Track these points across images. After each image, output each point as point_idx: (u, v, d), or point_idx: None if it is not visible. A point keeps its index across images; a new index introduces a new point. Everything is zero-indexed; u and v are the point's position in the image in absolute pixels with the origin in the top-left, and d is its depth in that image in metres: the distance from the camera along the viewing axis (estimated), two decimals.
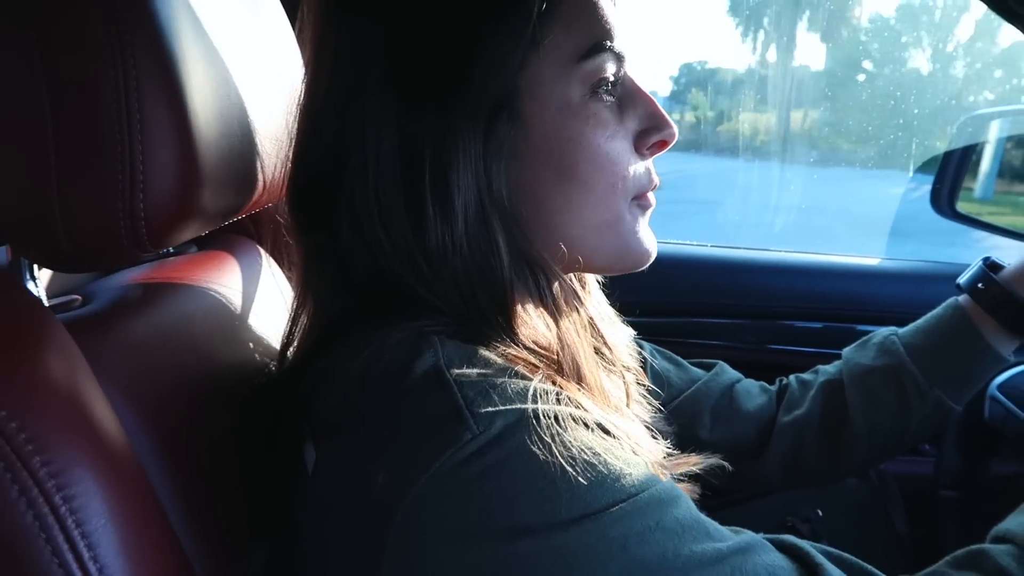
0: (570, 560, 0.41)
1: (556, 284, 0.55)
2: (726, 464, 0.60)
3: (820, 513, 0.95)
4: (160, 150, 0.45)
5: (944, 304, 0.80)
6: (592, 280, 0.68)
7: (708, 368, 0.87)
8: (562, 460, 0.42)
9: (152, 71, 0.45)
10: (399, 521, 0.42)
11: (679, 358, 0.87)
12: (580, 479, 0.42)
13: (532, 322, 0.52)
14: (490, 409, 0.42)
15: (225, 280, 0.67)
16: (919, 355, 0.77)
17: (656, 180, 0.58)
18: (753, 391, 0.85)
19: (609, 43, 0.52)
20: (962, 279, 0.79)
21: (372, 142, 0.50)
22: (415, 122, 0.49)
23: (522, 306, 0.52)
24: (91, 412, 0.40)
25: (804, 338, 1.29)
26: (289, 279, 0.76)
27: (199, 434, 0.54)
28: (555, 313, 0.54)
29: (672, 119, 0.56)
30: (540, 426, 0.43)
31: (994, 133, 1.43)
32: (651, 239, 0.58)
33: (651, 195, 0.58)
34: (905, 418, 0.77)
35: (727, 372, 0.86)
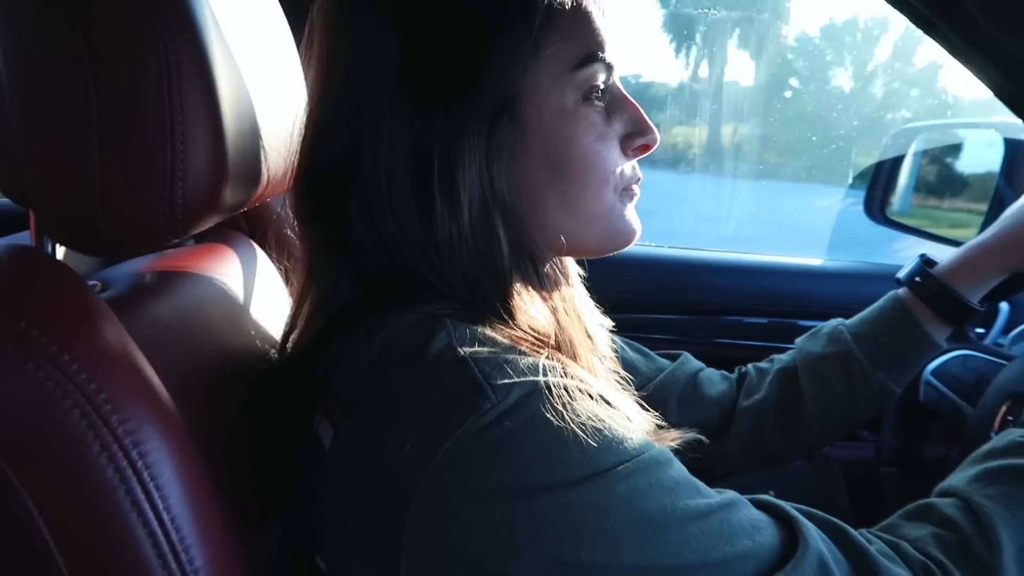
0: (583, 514, 0.46)
1: (552, 272, 0.60)
2: (703, 438, 0.66)
3: (772, 494, 1.02)
4: (198, 142, 0.49)
5: (886, 296, 0.87)
6: (574, 273, 0.73)
7: (673, 359, 0.93)
8: (573, 426, 0.46)
9: (191, 75, 0.48)
10: (424, 483, 0.45)
11: (646, 350, 0.92)
12: (590, 442, 0.46)
13: (530, 308, 0.56)
14: (506, 381, 0.47)
15: (226, 270, 0.70)
16: (864, 342, 0.85)
17: (640, 175, 0.63)
18: (715, 379, 0.91)
19: (601, 53, 0.57)
20: (901, 274, 0.87)
21: (384, 142, 0.54)
22: (425, 124, 0.53)
23: (521, 293, 0.56)
24: (148, 378, 0.43)
25: (750, 332, 1.38)
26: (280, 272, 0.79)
27: (216, 413, 0.57)
28: (551, 299, 0.58)
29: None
30: (552, 396, 0.47)
31: (917, 147, 1.55)
32: (637, 221, 0.63)
33: (635, 187, 0.63)
34: (852, 399, 0.84)
35: (691, 362, 0.93)
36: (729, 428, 0.88)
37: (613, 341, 0.84)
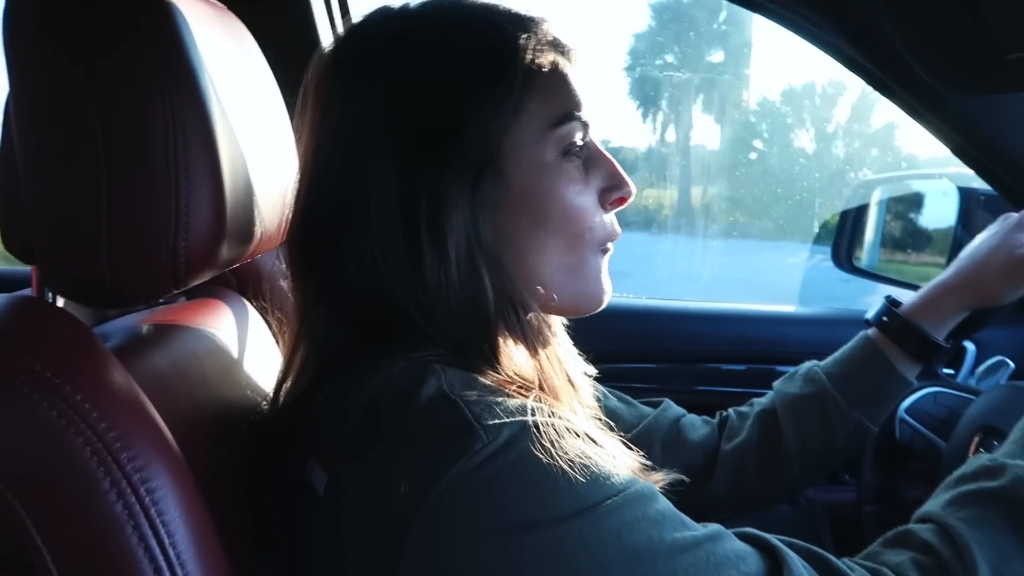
0: (574, 548, 0.47)
1: (534, 319, 0.62)
2: (685, 478, 0.67)
3: None
4: (200, 197, 0.51)
5: (856, 337, 0.90)
6: (557, 322, 0.76)
7: (655, 406, 0.95)
8: (561, 463, 0.48)
9: (195, 129, 0.51)
10: (420, 520, 0.47)
11: (629, 398, 0.94)
12: (578, 478, 0.48)
13: (514, 354, 0.58)
14: (496, 421, 0.48)
15: (219, 325, 0.71)
16: (839, 381, 0.87)
17: (618, 230, 0.66)
18: (697, 423, 0.93)
19: (577, 112, 0.61)
20: (869, 315, 0.90)
21: (375, 195, 0.57)
22: (414, 178, 0.56)
23: (505, 339, 0.58)
24: (155, 421, 0.44)
25: (729, 379, 1.40)
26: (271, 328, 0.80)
27: (211, 461, 0.58)
28: (534, 346, 0.60)
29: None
30: (540, 434, 0.49)
31: (877, 198, 1.61)
32: (608, 285, 0.66)
33: (611, 244, 0.66)
34: (830, 438, 0.86)
35: (673, 408, 0.94)
36: (713, 471, 0.89)
37: (596, 389, 0.86)
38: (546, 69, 0.60)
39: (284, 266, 0.64)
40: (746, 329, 1.45)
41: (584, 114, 0.61)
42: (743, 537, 0.55)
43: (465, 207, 0.57)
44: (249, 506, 0.60)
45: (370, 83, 0.59)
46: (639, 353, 1.42)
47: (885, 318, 0.88)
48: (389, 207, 0.57)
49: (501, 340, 0.58)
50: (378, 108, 0.58)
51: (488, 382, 0.53)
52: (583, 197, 0.62)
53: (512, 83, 0.58)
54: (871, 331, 0.89)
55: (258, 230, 0.66)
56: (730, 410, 0.95)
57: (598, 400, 0.81)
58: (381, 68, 0.59)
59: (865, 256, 1.56)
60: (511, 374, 0.56)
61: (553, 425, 0.50)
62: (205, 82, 0.53)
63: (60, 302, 0.57)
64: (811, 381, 0.89)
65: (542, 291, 0.62)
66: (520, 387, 0.55)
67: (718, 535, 0.53)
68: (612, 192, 0.64)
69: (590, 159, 0.63)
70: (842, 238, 1.49)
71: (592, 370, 0.79)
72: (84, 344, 0.44)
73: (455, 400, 0.50)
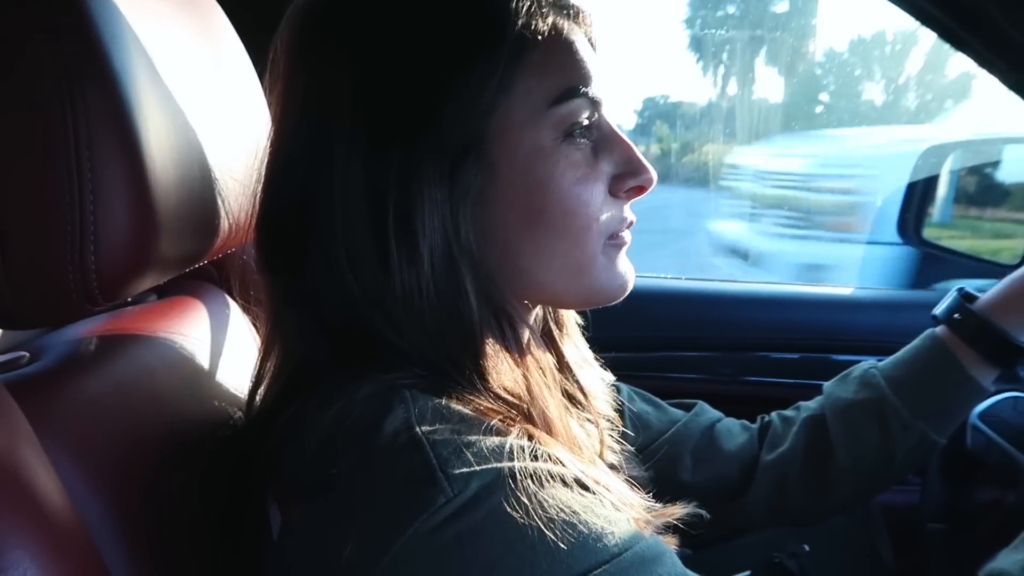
0: None
1: (524, 331, 0.53)
2: (703, 513, 0.58)
3: (807, 548, 0.92)
4: (113, 200, 0.43)
5: (922, 336, 0.79)
6: (571, 322, 0.67)
7: (688, 408, 0.85)
8: (540, 523, 0.40)
9: (105, 120, 0.42)
10: None
11: (657, 399, 0.85)
12: (560, 543, 0.40)
13: (501, 368, 0.50)
14: (464, 470, 0.41)
15: (188, 329, 0.64)
16: (900, 387, 0.76)
17: (631, 218, 0.56)
18: (735, 430, 0.83)
19: (583, 88, 0.51)
20: (938, 310, 0.78)
21: (340, 185, 0.49)
22: (381, 166, 0.48)
23: (491, 352, 0.50)
24: (33, 484, 0.36)
25: (780, 369, 1.28)
26: (256, 327, 0.73)
27: (160, 495, 0.51)
28: (523, 361, 0.52)
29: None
30: (517, 486, 0.41)
31: (952, 162, 1.46)
32: (628, 271, 0.57)
33: (625, 233, 0.56)
34: (889, 451, 0.76)
35: (707, 412, 0.85)
36: (750, 484, 0.79)
37: (618, 393, 0.77)
38: (544, 35, 0.50)
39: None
40: (799, 314, 1.32)
41: (593, 89, 0.52)
42: None
43: (441, 202, 0.48)
44: (207, 545, 0.53)
45: (335, 52, 0.50)
46: (680, 340, 1.31)
47: (957, 315, 0.76)
48: (356, 201, 0.49)
49: (486, 356, 0.49)
50: (343, 83, 0.49)
51: (467, 411, 0.45)
52: (587, 185, 0.52)
53: (498, 55, 0.49)
54: (939, 329, 0.78)
55: (225, 220, 0.58)
56: (773, 415, 0.85)
57: (619, 412, 0.72)
58: (348, 35, 0.50)
59: (936, 212, 1.42)
60: (500, 392, 0.48)
61: (534, 472, 0.42)
62: (120, 58, 0.44)
63: None
64: (867, 385, 0.78)
65: (538, 296, 0.54)
66: (507, 414, 0.47)
67: None
68: (627, 179, 0.54)
69: (601, 142, 0.54)
70: (909, 211, 1.34)
71: (610, 377, 0.70)
72: None
73: (420, 439, 0.42)
